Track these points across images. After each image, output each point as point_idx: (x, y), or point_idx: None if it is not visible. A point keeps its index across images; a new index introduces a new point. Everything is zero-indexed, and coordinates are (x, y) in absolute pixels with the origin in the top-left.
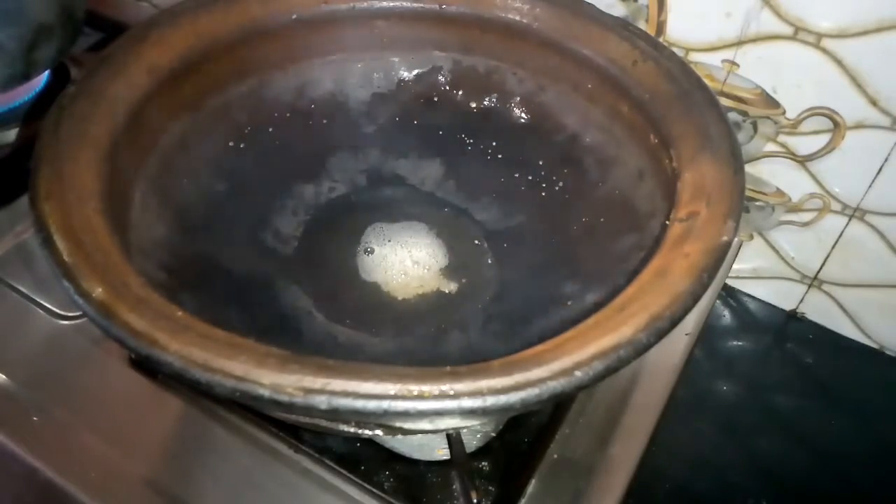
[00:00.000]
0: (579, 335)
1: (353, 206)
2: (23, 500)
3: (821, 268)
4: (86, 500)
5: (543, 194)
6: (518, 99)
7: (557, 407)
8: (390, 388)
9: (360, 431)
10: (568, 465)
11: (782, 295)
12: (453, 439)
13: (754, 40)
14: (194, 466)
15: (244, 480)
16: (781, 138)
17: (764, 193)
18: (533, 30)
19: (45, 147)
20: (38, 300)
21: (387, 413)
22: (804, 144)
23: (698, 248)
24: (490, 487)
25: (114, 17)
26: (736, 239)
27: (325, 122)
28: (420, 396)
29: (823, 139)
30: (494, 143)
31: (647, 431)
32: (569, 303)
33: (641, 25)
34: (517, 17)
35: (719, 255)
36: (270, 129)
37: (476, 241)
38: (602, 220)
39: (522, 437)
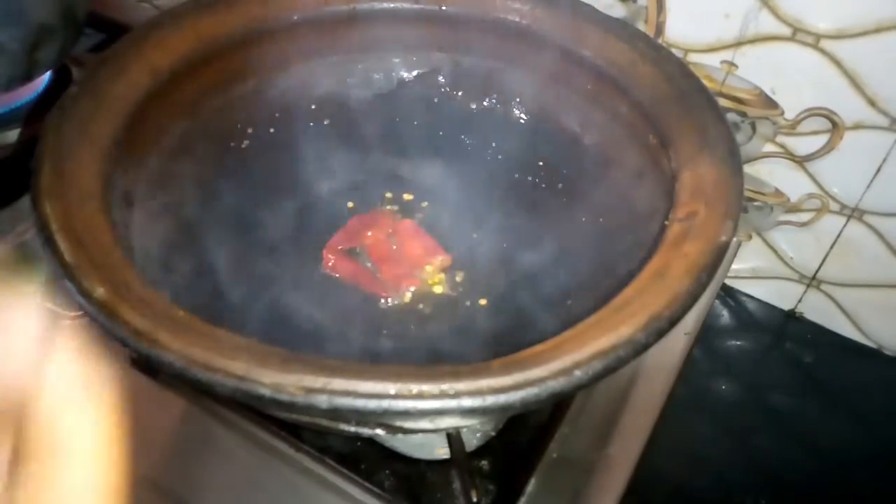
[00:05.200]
0: (579, 335)
1: (353, 207)
2: None
3: (819, 268)
4: None
5: (544, 194)
6: (518, 99)
7: (557, 406)
8: (390, 387)
9: (360, 431)
10: (567, 465)
11: (781, 295)
12: (453, 438)
13: (753, 41)
14: (195, 466)
15: (245, 479)
16: (780, 139)
17: (762, 193)
18: (533, 31)
19: (47, 147)
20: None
21: (387, 412)
22: (803, 145)
23: (697, 248)
24: (490, 486)
25: (115, 18)
26: (734, 239)
27: (325, 122)
28: (420, 396)
29: (822, 139)
30: (494, 144)
31: (646, 431)
32: (568, 302)
33: (640, 26)
34: (517, 18)
35: (718, 255)
36: (271, 130)
37: (476, 240)
38: (601, 220)
39: (522, 437)
